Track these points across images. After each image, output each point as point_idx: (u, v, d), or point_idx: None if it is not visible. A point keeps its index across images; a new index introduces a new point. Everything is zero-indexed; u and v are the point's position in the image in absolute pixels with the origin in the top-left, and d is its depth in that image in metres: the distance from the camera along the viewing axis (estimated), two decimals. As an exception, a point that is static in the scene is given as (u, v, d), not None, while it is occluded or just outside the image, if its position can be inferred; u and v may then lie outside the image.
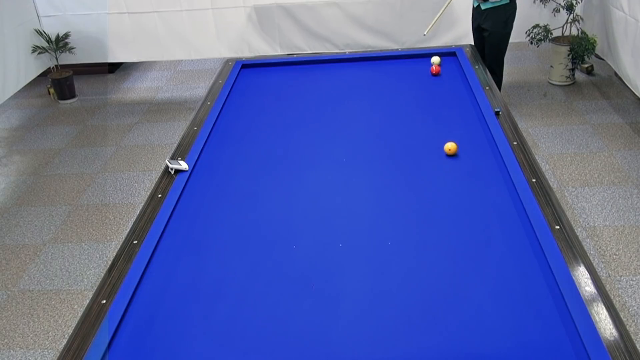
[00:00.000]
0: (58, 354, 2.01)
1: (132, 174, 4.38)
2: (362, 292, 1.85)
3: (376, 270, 1.94)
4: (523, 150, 2.51)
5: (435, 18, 2.99)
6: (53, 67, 5.59)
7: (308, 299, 1.84)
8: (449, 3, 3.57)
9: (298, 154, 2.71)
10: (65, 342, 1.74)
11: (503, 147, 2.54)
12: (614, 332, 1.59)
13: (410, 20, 4.94)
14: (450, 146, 2.55)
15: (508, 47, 4.27)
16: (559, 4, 4.88)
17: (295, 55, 4.44)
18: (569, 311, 1.67)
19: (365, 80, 3.43)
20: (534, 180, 2.29)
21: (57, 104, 5.73)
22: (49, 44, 5.37)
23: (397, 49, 4.48)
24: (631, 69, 4.23)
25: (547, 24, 4.93)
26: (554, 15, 4.94)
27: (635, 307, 2.84)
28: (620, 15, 4.32)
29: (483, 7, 4.00)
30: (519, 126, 3.34)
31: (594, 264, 2.70)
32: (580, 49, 4.82)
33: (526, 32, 4.97)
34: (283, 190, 2.43)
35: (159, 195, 2.41)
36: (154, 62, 6.42)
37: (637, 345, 1.57)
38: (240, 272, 1.98)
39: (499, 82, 4.38)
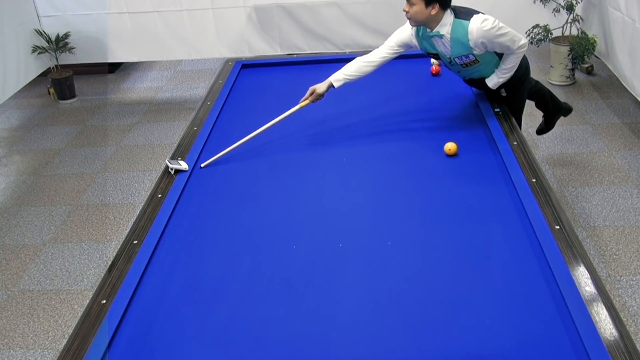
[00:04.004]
0: (58, 354, 2.01)
1: (132, 174, 4.38)
2: (362, 292, 1.85)
3: (376, 270, 1.94)
4: (523, 150, 2.51)
5: (220, 154, 2.62)
6: (53, 67, 5.59)
7: (308, 298, 1.84)
8: (239, 143, 2.69)
9: (298, 153, 2.71)
10: (65, 342, 1.74)
11: (503, 147, 2.54)
12: (614, 332, 1.59)
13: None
14: (450, 146, 2.55)
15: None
16: (559, 4, 4.88)
17: (295, 55, 4.44)
18: (569, 311, 1.67)
19: (365, 80, 3.42)
20: (534, 180, 2.29)
21: (57, 104, 5.73)
22: (49, 44, 5.37)
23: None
24: (628, 69, 4.23)
25: (547, 24, 4.93)
26: (554, 15, 4.95)
27: (635, 307, 2.84)
28: (617, 15, 4.32)
29: (488, 90, 2.97)
30: (519, 126, 3.34)
31: (594, 264, 2.71)
32: (580, 49, 4.82)
33: (526, 32, 4.97)
34: (283, 190, 2.43)
35: (159, 195, 2.41)
36: (154, 62, 6.41)
37: (637, 345, 1.57)
38: (240, 272, 1.98)
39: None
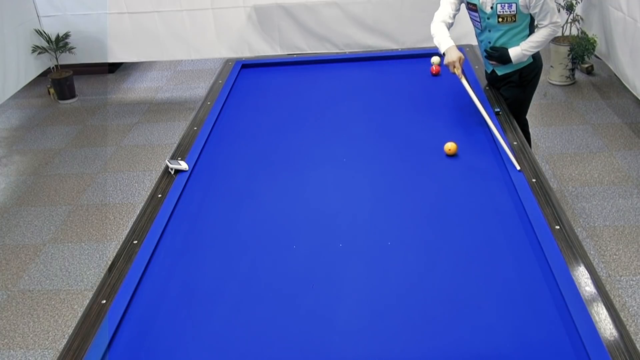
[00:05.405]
0: (58, 354, 2.01)
1: (132, 174, 4.38)
2: (362, 293, 1.85)
3: (376, 270, 1.94)
4: (523, 150, 2.51)
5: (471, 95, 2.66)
6: (53, 67, 5.59)
7: (307, 299, 1.84)
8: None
9: (298, 154, 2.71)
10: (65, 342, 1.74)
11: (503, 147, 2.53)
12: (614, 332, 1.59)
13: (410, 20, 4.94)
14: (450, 146, 2.55)
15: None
16: (559, 4, 4.88)
17: (295, 55, 4.44)
18: (569, 311, 1.67)
19: (365, 80, 3.43)
20: (534, 180, 2.29)
21: (57, 104, 5.73)
22: (49, 44, 5.37)
23: (397, 49, 4.48)
24: (629, 69, 4.23)
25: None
26: (554, 15, 4.94)
27: (635, 307, 2.84)
28: (619, 15, 4.32)
29: (501, 72, 3.04)
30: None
31: (594, 264, 2.70)
32: (580, 49, 4.83)
33: (526, 32, 4.97)
34: (283, 190, 2.43)
35: (159, 195, 2.41)
36: (154, 62, 6.41)
37: (637, 345, 1.56)
38: (239, 272, 1.98)
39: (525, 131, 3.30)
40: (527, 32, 2.88)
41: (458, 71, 2.81)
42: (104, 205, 4.02)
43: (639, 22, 4.02)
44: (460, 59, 2.80)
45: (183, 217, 2.30)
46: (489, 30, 2.94)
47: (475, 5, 2.88)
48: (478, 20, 2.96)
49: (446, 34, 2.89)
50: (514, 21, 2.83)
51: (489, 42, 2.99)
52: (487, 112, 2.68)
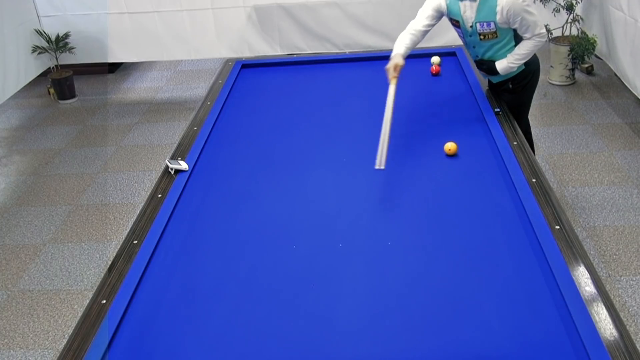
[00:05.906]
0: (58, 354, 2.01)
1: (132, 174, 4.38)
2: (362, 293, 1.85)
3: (376, 270, 1.94)
4: (523, 150, 2.51)
5: (382, 149, 2.42)
6: (53, 67, 5.59)
7: (307, 299, 1.84)
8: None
9: (298, 154, 2.71)
10: (65, 342, 1.74)
11: (503, 147, 2.54)
12: (614, 332, 1.59)
13: (410, 20, 4.93)
14: (450, 146, 2.55)
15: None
16: (559, 4, 4.88)
17: (295, 55, 4.44)
18: (569, 311, 1.67)
19: (365, 80, 3.43)
20: (534, 180, 2.29)
21: (57, 104, 5.73)
22: (49, 44, 5.37)
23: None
24: (630, 69, 4.23)
25: (547, 24, 4.92)
26: (554, 15, 4.95)
27: (635, 307, 2.84)
28: (619, 15, 4.32)
29: (495, 80, 3.05)
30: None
31: (594, 264, 2.70)
32: (580, 49, 4.83)
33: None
34: (283, 190, 2.43)
35: (159, 195, 2.41)
36: (154, 62, 6.41)
37: (637, 345, 1.57)
38: (239, 272, 1.98)
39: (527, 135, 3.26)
40: (513, 43, 2.86)
41: (391, 76, 2.77)
42: (104, 205, 4.02)
43: (639, 22, 4.02)
44: (396, 65, 2.77)
45: (183, 217, 2.30)
46: (474, 47, 2.95)
47: (458, 21, 2.87)
48: (462, 36, 2.97)
49: (403, 43, 2.87)
50: (496, 37, 2.82)
51: (477, 56, 2.99)
52: (390, 125, 2.57)
